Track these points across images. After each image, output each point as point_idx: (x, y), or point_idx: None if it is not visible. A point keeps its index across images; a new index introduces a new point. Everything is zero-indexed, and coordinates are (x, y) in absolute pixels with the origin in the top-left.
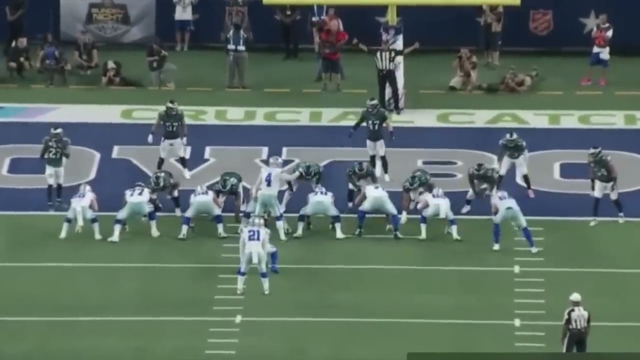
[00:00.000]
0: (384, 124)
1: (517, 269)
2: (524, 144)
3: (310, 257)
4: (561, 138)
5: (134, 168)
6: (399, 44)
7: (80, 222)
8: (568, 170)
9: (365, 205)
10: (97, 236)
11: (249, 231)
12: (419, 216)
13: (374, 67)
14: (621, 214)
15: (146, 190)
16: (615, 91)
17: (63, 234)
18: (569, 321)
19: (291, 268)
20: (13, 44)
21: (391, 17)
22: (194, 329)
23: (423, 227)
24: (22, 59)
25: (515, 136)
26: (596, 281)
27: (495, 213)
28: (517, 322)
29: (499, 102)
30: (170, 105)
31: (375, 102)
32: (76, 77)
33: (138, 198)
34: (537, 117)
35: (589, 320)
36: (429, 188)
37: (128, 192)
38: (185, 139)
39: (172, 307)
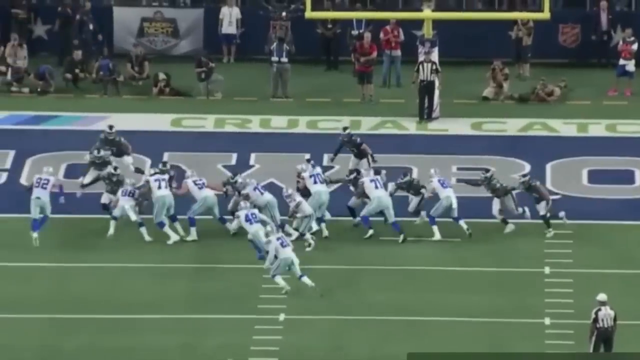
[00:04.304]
0: (362, 147)
1: (547, 270)
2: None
3: (347, 258)
4: (589, 146)
5: (183, 174)
6: (435, 57)
7: (133, 218)
8: (595, 176)
9: (372, 207)
10: (147, 238)
11: (278, 239)
12: (427, 219)
13: (409, 79)
14: (550, 230)
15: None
16: None
17: (111, 231)
18: (596, 320)
19: (331, 269)
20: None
21: (427, 31)
22: (240, 326)
23: (435, 228)
24: (77, 71)
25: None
26: (623, 282)
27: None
28: (547, 321)
29: (530, 111)
30: (108, 130)
31: (348, 131)
32: (128, 87)
33: (165, 191)
34: (566, 125)
35: (615, 319)
36: (416, 191)
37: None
38: (130, 157)
39: (219, 305)
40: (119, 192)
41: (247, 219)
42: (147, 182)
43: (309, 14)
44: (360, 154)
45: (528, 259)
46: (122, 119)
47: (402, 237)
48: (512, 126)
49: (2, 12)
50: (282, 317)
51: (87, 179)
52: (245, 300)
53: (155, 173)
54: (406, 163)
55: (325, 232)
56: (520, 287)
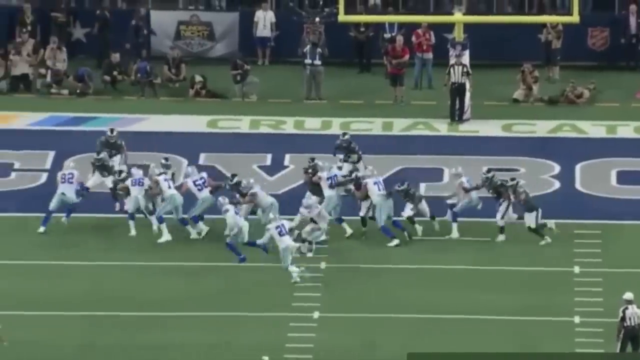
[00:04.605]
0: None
1: (576, 269)
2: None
3: (379, 257)
4: (618, 147)
5: (219, 174)
6: (466, 59)
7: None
8: (624, 177)
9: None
10: (193, 235)
11: (277, 227)
12: (448, 215)
13: (440, 81)
14: (502, 235)
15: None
16: None
17: (132, 232)
18: (623, 319)
19: (364, 268)
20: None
21: (458, 34)
22: (275, 323)
23: (454, 225)
24: (115, 73)
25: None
26: None
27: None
28: (576, 319)
29: (559, 113)
30: (109, 134)
31: (347, 137)
32: (165, 89)
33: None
34: (595, 127)
35: None
36: (411, 199)
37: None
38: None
39: (254, 302)
40: (128, 182)
41: (281, 234)
42: (157, 182)
43: (342, 17)
44: (355, 160)
45: (558, 259)
46: (159, 120)
47: (395, 241)
48: (542, 128)
49: (42, 16)
50: (316, 314)
51: (90, 182)
52: (280, 298)
53: (162, 173)
54: (437, 164)
55: (349, 230)
56: (550, 286)
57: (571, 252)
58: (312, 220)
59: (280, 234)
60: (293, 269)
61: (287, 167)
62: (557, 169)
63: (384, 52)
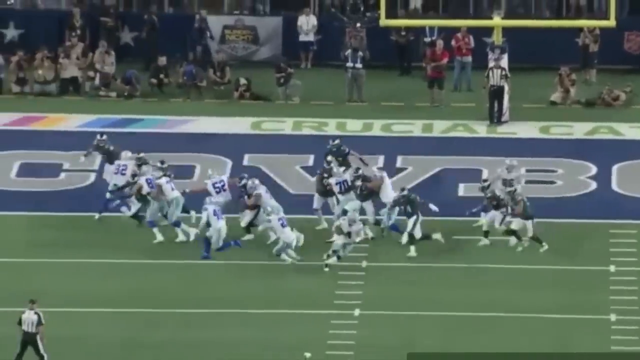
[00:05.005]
0: (347, 159)
1: (612, 268)
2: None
3: (418, 256)
4: None
5: (263, 174)
6: (504, 62)
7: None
8: None
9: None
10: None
11: (279, 219)
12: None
13: (479, 84)
14: (486, 240)
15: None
16: None
17: (160, 237)
18: None
19: (404, 266)
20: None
21: (497, 38)
22: (317, 321)
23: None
24: (161, 76)
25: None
26: None
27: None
28: (612, 317)
29: (596, 115)
30: (99, 138)
31: (338, 142)
32: (211, 92)
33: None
34: (631, 129)
35: None
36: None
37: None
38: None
39: (297, 300)
40: (142, 180)
41: (283, 225)
42: (160, 185)
43: (384, 21)
44: (344, 164)
45: (594, 258)
46: (204, 122)
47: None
48: (579, 130)
49: (91, 20)
50: (357, 312)
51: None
52: (322, 296)
53: (163, 176)
54: (476, 165)
55: (370, 234)
56: (586, 284)
57: (607, 251)
58: (348, 234)
59: (282, 226)
60: (285, 257)
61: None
62: (594, 170)
63: (422, 55)
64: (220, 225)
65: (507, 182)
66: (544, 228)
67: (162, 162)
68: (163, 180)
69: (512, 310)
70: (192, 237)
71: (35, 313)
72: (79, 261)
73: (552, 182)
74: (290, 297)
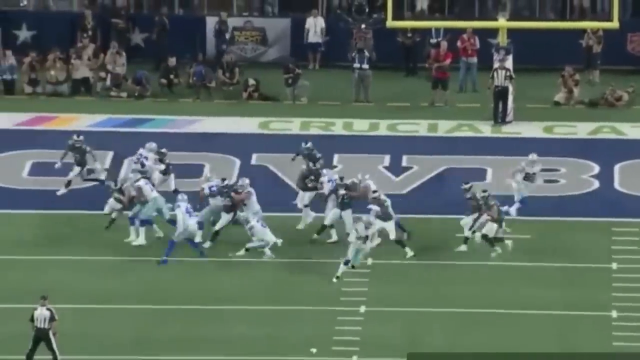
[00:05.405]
0: (318, 164)
1: (614, 265)
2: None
3: (423, 254)
4: None
5: (271, 173)
6: (509, 63)
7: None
8: None
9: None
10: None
11: (257, 221)
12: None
13: (484, 84)
14: (464, 246)
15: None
16: None
17: (141, 240)
18: None
19: (408, 264)
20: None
21: (502, 39)
22: (323, 317)
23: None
24: (171, 76)
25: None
26: None
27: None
28: (614, 314)
29: (599, 115)
30: (75, 138)
31: (310, 145)
32: (220, 92)
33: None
34: (633, 129)
35: None
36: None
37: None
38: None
39: (303, 297)
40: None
41: (187, 211)
42: (140, 188)
43: (390, 23)
44: (317, 170)
45: (596, 256)
46: (213, 122)
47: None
48: (582, 129)
49: (102, 22)
50: (362, 309)
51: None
52: (328, 293)
53: (141, 178)
54: (481, 164)
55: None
56: (588, 282)
57: (609, 249)
58: (364, 238)
59: (262, 226)
60: (267, 251)
61: (336, 166)
62: (596, 169)
63: (425, 56)
64: (191, 223)
65: (529, 176)
66: (548, 226)
67: (142, 165)
68: (142, 182)
69: (515, 307)
70: (136, 243)
71: (48, 309)
72: (89, 258)
73: (555, 181)
74: (296, 294)
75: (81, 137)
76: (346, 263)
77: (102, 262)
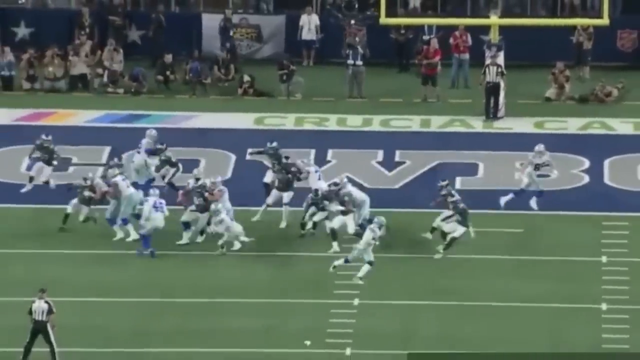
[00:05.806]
0: (285, 164)
1: (604, 259)
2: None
3: (416, 246)
4: None
5: (266, 168)
6: (501, 60)
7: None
8: None
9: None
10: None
11: (226, 213)
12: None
13: (476, 80)
14: (429, 234)
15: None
16: None
17: (120, 235)
18: None
19: (402, 257)
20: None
21: (493, 36)
22: (317, 310)
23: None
24: (168, 73)
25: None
26: None
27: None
28: (604, 307)
29: (589, 111)
30: (44, 137)
31: (275, 144)
32: (215, 88)
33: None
34: (623, 124)
35: None
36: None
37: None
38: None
39: (298, 290)
40: (147, 206)
41: (155, 205)
42: (116, 184)
43: (383, 20)
44: (282, 169)
45: (586, 249)
46: (209, 117)
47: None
48: (573, 125)
49: (99, 19)
50: (356, 301)
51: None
52: (322, 286)
53: (119, 174)
54: (473, 159)
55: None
56: (578, 275)
57: (599, 242)
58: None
59: (232, 220)
60: (237, 245)
61: (329, 161)
62: (586, 164)
63: (415, 53)
64: (156, 217)
65: (538, 167)
66: (538, 220)
67: (119, 159)
68: (119, 178)
69: (507, 299)
70: (130, 239)
71: (46, 302)
72: (87, 252)
73: (546, 176)
74: (290, 286)
75: (49, 137)
76: (347, 261)
77: (100, 256)
